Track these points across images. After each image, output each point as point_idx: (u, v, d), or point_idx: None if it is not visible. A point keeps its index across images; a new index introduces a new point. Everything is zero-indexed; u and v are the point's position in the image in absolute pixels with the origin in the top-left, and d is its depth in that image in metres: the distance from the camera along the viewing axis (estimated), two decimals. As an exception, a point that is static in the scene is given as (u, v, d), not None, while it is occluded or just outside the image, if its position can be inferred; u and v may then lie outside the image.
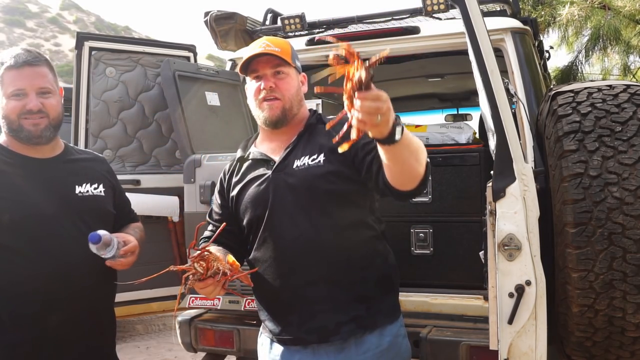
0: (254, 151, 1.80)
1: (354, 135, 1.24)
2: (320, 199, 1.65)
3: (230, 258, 1.56)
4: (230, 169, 1.85)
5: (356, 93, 1.19)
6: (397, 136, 1.31)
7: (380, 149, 1.39)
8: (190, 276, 1.47)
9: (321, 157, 1.66)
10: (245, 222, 1.75)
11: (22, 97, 1.71)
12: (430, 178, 1.54)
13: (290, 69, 1.73)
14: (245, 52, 1.74)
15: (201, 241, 1.76)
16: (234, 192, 1.78)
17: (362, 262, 1.69)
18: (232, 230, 1.74)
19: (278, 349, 1.73)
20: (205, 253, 1.47)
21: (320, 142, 1.69)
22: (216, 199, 1.86)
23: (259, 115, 1.72)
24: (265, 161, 1.75)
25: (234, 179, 1.80)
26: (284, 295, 1.69)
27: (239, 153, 1.86)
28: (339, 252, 1.65)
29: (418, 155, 1.44)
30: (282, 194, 1.67)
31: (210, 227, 1.84)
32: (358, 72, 1.17)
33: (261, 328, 1.83)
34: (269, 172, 1.71)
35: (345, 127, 1.26)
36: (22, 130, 1.72)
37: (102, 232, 1.69)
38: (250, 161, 1.79)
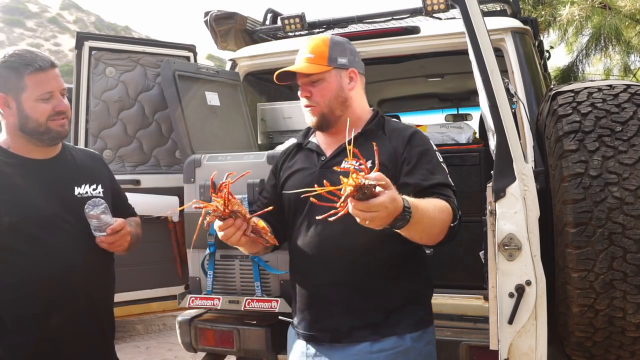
0: (312, 141, 1.85)
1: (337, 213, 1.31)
2: None
3: (261, 223, 1.60)
4: (286, 152, 1.92)
5: (351, 199, 1.27)
6: (401, 223, 1.37)
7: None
8: (211, 211, 1.51)
9: (368, 165, 1.66)
10: (286, 208, 1.80)
11: (50, 99, 1.71)
12: (456, 235, 1.59)
13: (327, 73, 1.73)
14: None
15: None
16: (283, 176, 1.84)
17: (387, 273, 1.68)
18: (277, 210, 1.78)
19: (296, 338, 1.78)
20: (229, 196, 1.51)
21: (371, 151, 1.70)
22: (269, 178, 1.93)
23: (307, 119, 1.79)
24: (317, 154, 1.79)
25: (287, 164, 1.86)
26: (305, 289, 1.74)
27: (299, 139, 1.92)
28: (365, 259, 1.66)
29: (433, 229, 1.50)
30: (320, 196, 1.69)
31: (258, 204, 1.90)
32: (365, 181, 1.26)
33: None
34: (317, 167, 1.76)
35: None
36: (50, 132, 1.73)
37: (102, 207, 1.73)
38: (305, 150, 1.84)
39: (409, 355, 1.66)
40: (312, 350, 1.72)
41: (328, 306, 1.69)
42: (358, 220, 1.30)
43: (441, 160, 1.71)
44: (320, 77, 1.73)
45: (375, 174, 1.29)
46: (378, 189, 1.28)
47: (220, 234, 1.55)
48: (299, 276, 1.77)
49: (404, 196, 1.38)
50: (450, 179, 1.68)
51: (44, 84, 1.70)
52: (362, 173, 1.28)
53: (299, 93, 1.79)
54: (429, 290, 1.81)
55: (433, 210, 1.48)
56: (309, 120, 1.77)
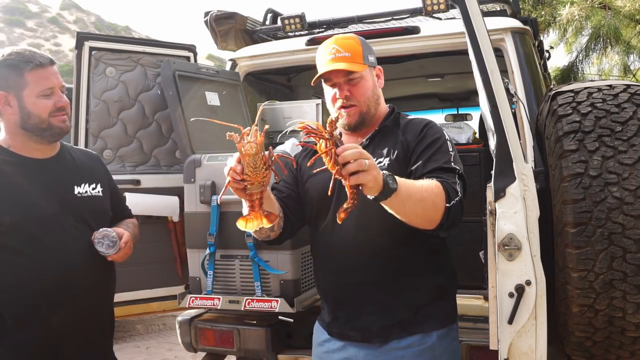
0: None
1: (348, 201, 1.38)
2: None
3: (273, 205, 1.60)
4: (305, 151, 1.91)
5: (335, 152, 1.32)
6: (393, 185, 1.39)
7: (386, 207, 1.45)
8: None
9: (386, 161, 1.69)
10: (308, 210, 1.80)
11: (51, 95, 1.73)
12: (457, 218, 1.59)
13: (363, 70, 1.71)
14: (319, 57, 1.73)
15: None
16: (304, 177, 1.83)
17: (414, 270, 1.70)
18: (295, 200, 1.81)
19: (325, 335, 1.80)
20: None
21: (388, 146, 1.72)
22: (290, 170, 1.88)
23: (338, 120, 1.74)
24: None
25: (305, 164, 1.83)
26: (334, 291, 1.75)
27: None
28: (392, 258, 1.67)
29: (425, 205, 1.48)
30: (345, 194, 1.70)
31: (274, 192, 1.85)
32: (326, 139, 1.34)
33: (320, 313, 1.90)
34: None
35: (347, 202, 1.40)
36: (51, 128, 1.74)
37: (111, 238, 1.76)
38: None
39: (434, 351, 1.69)
40: (338, 345, 1.75)
41: (358, 306, 1.71)
42: (357, 169, 1.32)
43: (450, 149, 1.69)
44: (359, 74, 1.71)
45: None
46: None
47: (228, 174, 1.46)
48: (328, 277, 1.77)
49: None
50: (454, 164, 1.65)
51: (45, 80, 1.71)
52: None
53: (333, 94, 1.72)
54: (453, 286, 1.83)
55: (419, 187, 1.48)
56: (345, 122, 1.72)
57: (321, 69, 1.71)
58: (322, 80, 1.75)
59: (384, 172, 1.40)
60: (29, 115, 1.71)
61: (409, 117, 1.82)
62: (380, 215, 1.64)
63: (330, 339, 1.78)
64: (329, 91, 1.76)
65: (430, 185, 1.51)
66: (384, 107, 1.82)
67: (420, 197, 1.47)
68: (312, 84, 1.78)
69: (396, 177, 1.42)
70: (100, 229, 1.77)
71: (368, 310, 1.70)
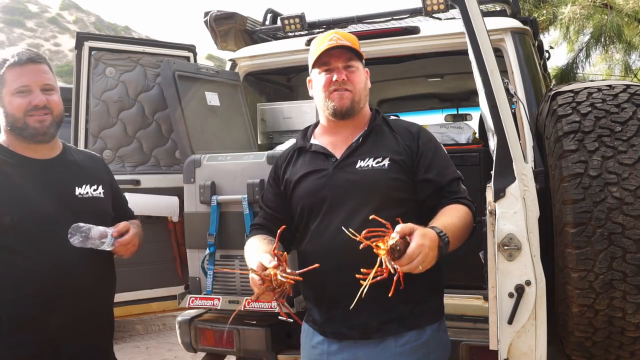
0: (315, 143, 1.82)
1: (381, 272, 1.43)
2: (378, 201, 1.68)
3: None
4: (287, 157, 1.87)
5: (393, 262, 1.38)
6: (445, 251, 1.49)
7: None
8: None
9: (386, 162, 1.71)
10: (298, 213, 1.78)
11: (27, 93, 1.70)
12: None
13: (359, 63, 1.76)
14: (316, 45, 1.76)
15: (251, 229, 1.85)
16: (292, 181, 1.80)
17: None
18: (283, 220, 1.78)
19: (319, 337, 1.78)
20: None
21: (386, 146, 1.73)
22: (270, 185, 1.89)
23: (328, 105, 1.74)
24: (326, 155, 1.77)
25: (291, 169, 1.82)
26: (330, 290, 1.73)
27: (298, 142, 1.88)
28: None
29: (464, 237, 1.62)
30: (341, 192, 1.71)
31: (261, 214, 1.88)
32: (392, 241, 1.38)
33: (306, 315, 1.88)
34: (330, 169, 1.74)
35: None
36: (27, 128, 1.71)
37: (83, 230, 1.69)
38: (310, 153, 1.81)
39: (429, 345, 1.72)
40: (334, 347, 1.74)
41: (357, 303, 1.69)
42: (414, 272, 1.40)
43: (444, 151, 1.79)
44: (357, 64, 1.75)
45: (398, 227, 1.40)
46: (407, 238, 1.39)
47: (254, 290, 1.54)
48: (323, 275, 1.73)
49: (432, 225, 1.49)
50: (454, 167, 1.78)
51: (19, 78, 1.69)
52: (394, 238, 1.39)
53: (327, 79, 1.72)
54: (442, 279, 1.85)
55: (459, 221, 1.60)
56: (337, 104, 1.72)
57: (321, 51, 1.72)
58: (316, 68, 1.75)
59: (438, 233, 1.47)
60: (6, 114, 1.71)
61: (392, 117, 1.87)
62: (374, 210, 1.65)
63: (324, 340, 1.76)
64: (320, 79, 1.75)
65: (463, 215, 1.63)
66: (368, 108, 1.84)
67: (460, 235, 1.59)
68: (311, 66, 1.78)
69: (443, 229, 1.50)
70: (74, 224, 1.71)
71: (367, 307, 1.67)
